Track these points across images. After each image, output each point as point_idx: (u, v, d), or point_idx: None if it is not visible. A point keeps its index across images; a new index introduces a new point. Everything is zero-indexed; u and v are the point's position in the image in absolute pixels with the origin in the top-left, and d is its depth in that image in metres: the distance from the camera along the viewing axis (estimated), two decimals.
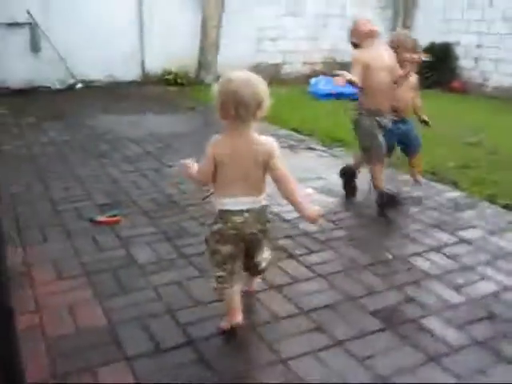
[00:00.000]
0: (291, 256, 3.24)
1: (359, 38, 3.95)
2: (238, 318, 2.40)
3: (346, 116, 7.53)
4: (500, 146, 6.00)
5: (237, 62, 11.09)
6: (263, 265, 2.49)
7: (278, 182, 2.29)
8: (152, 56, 10.47)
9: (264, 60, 11.53)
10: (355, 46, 4.00)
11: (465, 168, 5.15)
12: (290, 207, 3.74)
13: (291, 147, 5.95)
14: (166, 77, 10.36)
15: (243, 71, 2.30)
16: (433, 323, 2.56)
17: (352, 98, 8.92)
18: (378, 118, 3.90)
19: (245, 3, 10.98)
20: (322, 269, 3.08)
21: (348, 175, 4.38)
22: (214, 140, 2.30)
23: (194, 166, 2.43)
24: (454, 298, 2.79)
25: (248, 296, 2.68)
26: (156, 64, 10.47)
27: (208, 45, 10.58)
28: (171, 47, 10.37)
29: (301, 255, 3.25)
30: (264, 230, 2.37)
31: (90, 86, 9.62)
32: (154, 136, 6.31)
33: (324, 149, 5.92)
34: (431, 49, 11.26)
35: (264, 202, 2.34)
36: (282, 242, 3.43)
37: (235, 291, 2.40)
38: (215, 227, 2.31)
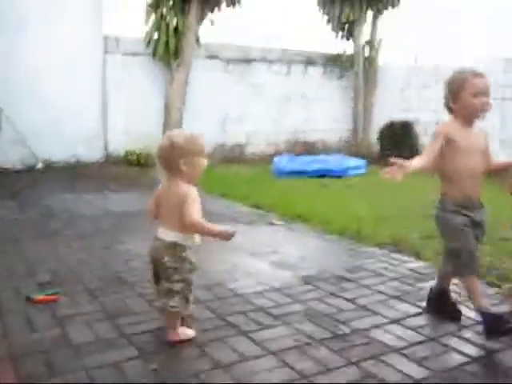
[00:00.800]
0: (241, 332, 2.98)
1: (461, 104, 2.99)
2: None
3: (306, 192, 7.67)
4: None
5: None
6: (165, 300, 2.75)
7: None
8: (115, 137, 10.44)
9: (228, 140, 11.59)
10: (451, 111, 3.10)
11: (428, 239, 5.02)
12: (246, 282, 3.59)
13: (251, 222, 5.80)
14: (129, 157, 10.26)
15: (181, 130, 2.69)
16: None
17: (313, 175, 9.08)
18: (468, 213, 2.97)
19: (208, 85, 11.15)
20: (274, 345, 2.82)
21: (441, 300, 3.28)
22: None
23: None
24: (416, 372, 2.55)
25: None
26: (119, 144, 10.42)
27: (171, 126, 10.57)
28: (135, 128, 10.38)
29: (252, 331, 3.00)
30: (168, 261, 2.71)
31: (51, 167, 9.46)
32: (109, 214, 6.10)
33: (282, 223, 5.77)
34: (391, 126, 11.52)
35: (176, 239, 2.71)
36: (233, 318, 3.18)
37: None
38: None
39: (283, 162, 9.71)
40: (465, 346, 2.86)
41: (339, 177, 9.22)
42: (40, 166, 9.38)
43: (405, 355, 2.73)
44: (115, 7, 10.57)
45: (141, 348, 2.76)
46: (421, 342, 2.88)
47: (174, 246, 2.72)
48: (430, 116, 11.44)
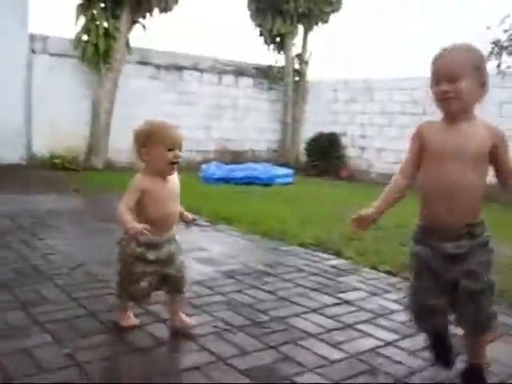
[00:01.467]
0: (160, 320, 2.95)
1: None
2: None
3: (233, 197, 7.73)
4: (382, 222, 6.10)
5: (128, 148, 10.99)
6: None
7: None
8: (40, 140, 10.13)
9: None
10: None
11: (349, 240, 5.14)
12: None
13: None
14: (54, 160, 9.98)
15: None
16: (309, 379, 2.34)
17: (241, 183, 9.15)
18: (435, 243, 2.16)
19: (138, 90, 11.04)
20: (193, 331, 2.80)
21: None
22: None
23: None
24: (332, 354, 2.60)
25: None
26: (44, 148, 10.11)
27: (99, 129, 10.41)
28: (61, 131, 10.12)
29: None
30: None
31: None
32: (29, 212, 5.89)
33: (208, 225, 5.77)
34: (319, 138, 11.77)
35: None
36: (152, 307, 3.13)
37: None
38: None
39: (211, 169, 9.73)
40: (380, 331, 2.94)
41: (267, 185, 9.31)
42: None
43: (322, 340, 2.78)
44: (42, 4, 10.32)
45: (54, 335, 2.67)
46: (338, 329, 2.94)
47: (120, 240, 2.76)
48: (356, 129, 11.80)
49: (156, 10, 10.56)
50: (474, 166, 2.05)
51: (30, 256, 4.15)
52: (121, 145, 10.73)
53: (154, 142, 2.59)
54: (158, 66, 11.44)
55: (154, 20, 10.80)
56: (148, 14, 10.60)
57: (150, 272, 2.64)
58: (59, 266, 3.89)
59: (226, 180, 9.37)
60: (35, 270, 3.80)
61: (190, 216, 2.90)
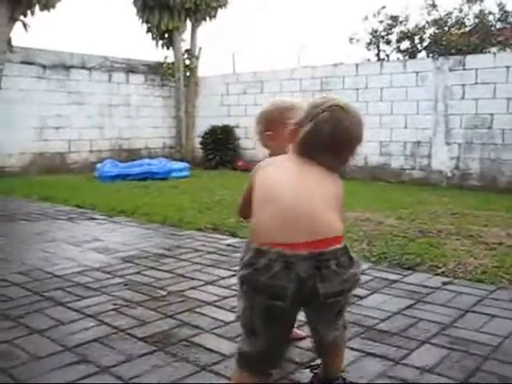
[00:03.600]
0: (59, 304, 2.99)
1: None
2: None
3: (129, 192, 7.74)
4: None
5: (18, 152, 10.64)
6: None
7: None
8: None
9: (48, 148, 11.17)
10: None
11: (244, 222, 5.33)
12: (65, 266, 3.59)
13: (71, 218, 5.72)
14: None
15: None
16: (205, 339, 2.49)
17: (137, 179, 9.14)
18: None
19: (24, 91, 10.69)
20: (92, 310, 2.87)
21: None
22: None
23: None
24: (227, 317, 2.76)
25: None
26: None
27: None
28: None
29: (70, 302, 3.02)
30: None
31: None
32: None
33: (104, 218, 5.77)
34: (213, 132, 11.94)
35: None
36: (50, 293, 3.16)
37: None
38: None
39: (107, 167, 9.63)
40: None
41: (163, 179, 9.35)
42: None
43: (218, 306, 2.94)
44: None
45: None
46: (233, 296, 3.11)
47: None
48: (249, 120, 12.06)
49: (37, 7, 10.26)
50: None
51: None
52: (9, 149, 10.38)
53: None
54: (43, 66, 11.12)
55: (37, 18, 10.51)
56: (29, 12, 10.27)
57: None
58: None
59: (122, 177, 9.32)
60: None
61: None
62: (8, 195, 7.56)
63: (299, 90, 11.31)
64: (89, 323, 2.69)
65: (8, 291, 3.21)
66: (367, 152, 10.33)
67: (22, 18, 10.14)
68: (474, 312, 2.92)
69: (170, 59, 12.94)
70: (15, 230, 5.27)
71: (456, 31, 14.15)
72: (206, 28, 13.08)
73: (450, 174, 9.40)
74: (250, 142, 12.08)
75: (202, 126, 12.76)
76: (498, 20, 13.82)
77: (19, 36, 10.29)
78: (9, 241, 4.78)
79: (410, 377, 2.16)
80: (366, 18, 14.75)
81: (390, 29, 14.53)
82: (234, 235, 4.83)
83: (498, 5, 13.75)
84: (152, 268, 3.74)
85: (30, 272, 3.64)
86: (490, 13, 13.81)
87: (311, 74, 11.17)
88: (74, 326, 2.67)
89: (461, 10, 14.14)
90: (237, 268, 3.66)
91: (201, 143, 12.40)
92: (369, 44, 14.81)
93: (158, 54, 13.12)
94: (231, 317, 2.77)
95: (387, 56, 14.71)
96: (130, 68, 12.52)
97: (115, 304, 2.97)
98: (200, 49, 13.21)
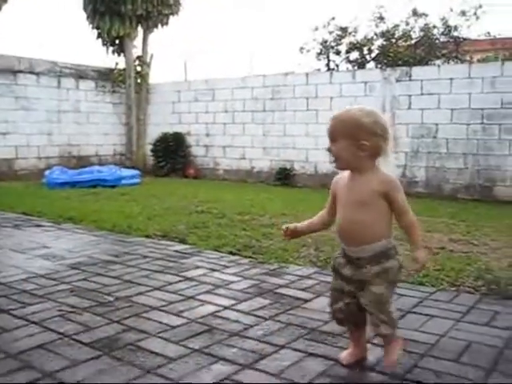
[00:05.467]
0: (3, 311, 2.95)
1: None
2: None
3: (78, 199, 7.65)
4: (226, 212, 6.43)
5: None
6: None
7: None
8: None
9: None
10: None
11: (194, 228, 5.37)
12: (9, 273, 3.54)
13: (16, 226, 5.62)
14: None
15: None
16: (151, 343, 2.51)
17: (86, 186, 9.03)
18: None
19: None
20: (37, 317, 2.85)
21: None
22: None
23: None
24: (174, 321, 2.79)
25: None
26: None
27: None
28: None
29: (14, 309, 2.98)
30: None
31: None
32: None
33: (52, 225, 5.69)
34: (164, 139, 11.92)
35: None
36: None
37: None
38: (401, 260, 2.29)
39: (55, 174, 9.49)
40: (219, 299, 3.19)
41: (113, 186, 9.27)
42: None
43: (164, 311, 2.96)
44: None
45: None
46: (180, 301, 3.14)
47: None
48: (200, 128, 12.11)
49: None
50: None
51: None
52: None
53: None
54: None
55: None
56: None
57: (345, 291, 2.29)
58: None
59: (71, 184, 9.20)
60: None
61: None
62: None
63: (251, 97, 11.42)
64: (33, 330, 2.67)
65: None
66: (317, 160, 10.50)
67: None
68: (414, 313, 3.03)
69: (121, 66, 12.85)
70: None
71: (403, 43, 14.54)
72: (158, 35, 13.04)
73: None
74: (201, 149, 12.11)
75: (153, 133, 12.72)
76: (442, 34, 14.27)
77: None
78: None
79: (349, 375, 2.23)
80: (317, 28, 15.00)
81: (340, 39, 14.81)
82: (182, 242, 4.85)
83: (442, 19, 14.22)
84: (99, 274, 3.73)
85: None
86: (435, 27, 14.26)
87: (262, 83, 11.29)
88: (18, 332, 2.64)
89: (407, 23, 14.54)
90: (184, 273, 3.70)
91: (152, 150, 12.35)
92: (319, 54, 15.06)
93: (109, 60, 13.00)
94: (177, 321, 2.80)
95: (337, 66, 14.99)
96: (80, 74, 12.37)
97: (61, 310, 2.96)
98: (152, 56, 13.18)
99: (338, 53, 15.06)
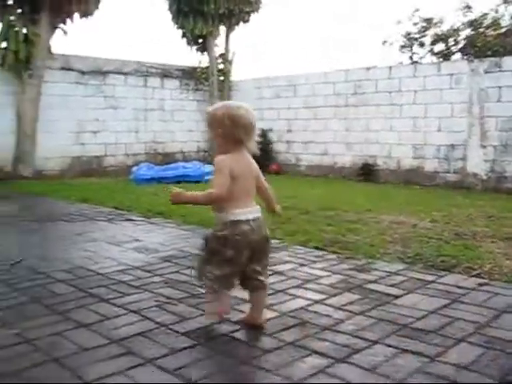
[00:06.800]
0: (103, 300, 3.11)
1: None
2: (227, 307, 2.67)
3: (165, 195, 7.86)
4: (310, 207, 6.45)
5: (57, 155, 10.93)
6: (263, 278, 2.65)
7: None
8: None
9: (85, 152, 11.45)
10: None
11: (280, 224, 5.41)
12: (106, 264, 3.71)
13: (110, 220, 5.87)
14: None
15: None
16: (244, 335, 2.57)
17: (171, 181, 9.29)
18: None
19: (63, 97, 10.97)
20: (136, 306, 2.98)
21: None
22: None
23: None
24: (266, 314, 2.83)
25: (257, 329, 2.66)
26: None
27: (24, 138, 10.29)
28: None
29: (113, 298, 3.13)
30: (267, 236, 2.64)
31: None
32: None
33: (142, 219, 5.91)
34: None
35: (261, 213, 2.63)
36: (94, 290, 3.29)
37: (227, 295, 2.65)
38: (221, 233, 2.52)
39: (142, 170, 9.84)
40: (309, 293, 3.22)
41: (197, 182, 9.48)
42: None
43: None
44: None
45: (1, 320, 2.78)
46: (270, 295, 3.17)
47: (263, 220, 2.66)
48: (282, 124, 12.17)
49: (76, 15, 10.54)
50: None
51: None
52: (49, 153, 10.66)
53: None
54: (81, 72, 11.39)
55: (76, 25, 10.80)
56: (68, 20, 10.56)
57: None
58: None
59: (157, 180, 9.50)
60: None
61: None
62: (47, 197, 7.79)
63: (332, 93, 11.36)
64: (132, 318, 2.80)
65: (54, 287, 3.35)
66: (400, 155, 10.31)
67: (61, 25, 10.41)
68: (510, 313, 2.93)
69: (204, 64, 13.11)
70: (56, 230, 5.44)
71: (492, 32, 13.99)
72: (239, 32, 13.21)
73: (485, 177, 9.32)
74: (283, 145, 12.17)
75: None
76: None
77: (58, 43, 10.53)
78: (51, 240, 4.95)
79: (446, 373, 2.20)
80: (400, 21, 14.71)
81: (424, 31, 14.45)
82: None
83: None
84: (189, 267, 3.83)
85: (74, 270, 3.78)
86: None
87: (344, 77, 11.19)
88: (118, 320, 2.78)
89: (497, 11, 13.99)
90: (273, 267, 3.74)
91: None
92: (402, 47, 14.76)
93: (192, 59, 13.30)
94: (269, 314, 2.84)
95: (421, 59, 14.63)
96: (165, 73, 12.73)
97: (157, 301, 3.08)
98: (233, 53, 13.36)
99: (422, 45, 14.70)
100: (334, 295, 3.20)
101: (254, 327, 2.67)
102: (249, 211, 2.57)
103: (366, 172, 10.66)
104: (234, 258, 2.52)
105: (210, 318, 2.68)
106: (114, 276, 3.62)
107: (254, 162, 2.70)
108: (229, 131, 2.54)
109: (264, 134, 12.18)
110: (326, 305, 3.03)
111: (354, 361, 2.30)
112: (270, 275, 3.57)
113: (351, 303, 3.06)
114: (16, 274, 3.69)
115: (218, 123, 2.57)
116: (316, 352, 2.39)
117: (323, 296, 3.18)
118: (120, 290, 3.31)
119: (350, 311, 2.92)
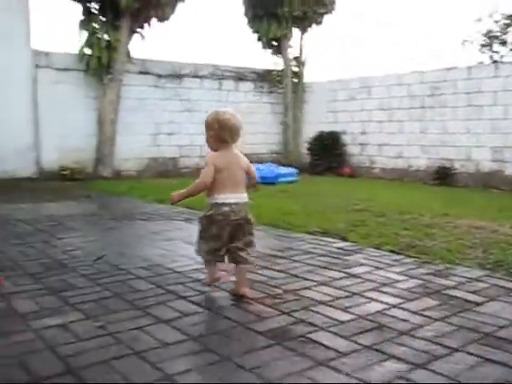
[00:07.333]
0: (181, 297, 3.18)
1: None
2: (217, 274, 3.28)
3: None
4: (385, 211, 6.36)
5: (134, 156, 11.28)
6: (244, 254, 3.11)
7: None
8: (48, 152, 10.39)
9: (161, 154, 11.75)
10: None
11: (354, 226, 5.38)
12: (183, 263, 3.80)
13: (186, 219, 6.01)
14: (63, 172, 10.24)
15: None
16: (321, 336, 2.57)
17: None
18: None
19: (141, 100, 11.30)
20: (212, 304, 3.04)
21: None
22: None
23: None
24: (342, 316, 2.83)
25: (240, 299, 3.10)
26: (52, 160, 10.37)
27: (105, 140, 10.68)
28: (68, 143, 10.39)
29: (191, 296, 3.21)
30: (246, 219, 3.12)
31: None
32: (47, 217, 6.14)
33: None
34: (320, 138, 12.01)
35: (246, 199, 3.17)
36: (172, 287, 3.38)
37: (215, 264, 3.25)
38: (208, 213, 3.11)
39: None
40: (385, 297, 3.17)
41: (271, 183, 9.54)
42: None
43: (331, 306, 3.01)
44: (44, 22, 10.59)
45: (86, 313, 2.90)
46: (346, 297, 3.17)
47: (248, 205, 3.18)
48: (356, 126, 12.04)
49: (154, 20, 10.85)
50: None
51: (53, 252, 4.38)
52: (126, 154, 11.02)
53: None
54: (158, 75, 11.71)
55: (153, 30, 11.11)
56: (146, 24, 10.88)
57: None
58: (82, 259, 4.13)
59: None
60: (59, 263, 4.03)
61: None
62: (125, 197, 8.05)
63: (407, 95, 11.15)
64: (208, 316, 2.86)
65: (134, 283, 3.47)
66: (479, 158, 9.99)
67: (139, 30, 10.74)
68: None
69: (278, 66, 13.17)
70: (134, 228, 5.61)
71: None
72: (313, 34, 13.19)
73: None
74: (357, 147, 12.05)
75: (308, 131, 12.88)
76: None
77: (135, 48, 10.87)
78: (129, 238, 5.11)
79: None
80: (480, 19, 14.24)
81: (506, 28, 13.92)
82: (344, 239, 4.88)
83: None
84: (265, 268, 3.87)
85: (152, 267, 3.89)
86: None
87: (420, 79, 10.96)
88: (196, 317, 2.84)
89: None
90: (348, 270, 3.72)
91: (307, 149, 12.51)
92: (482, 46, 14.29)
93: (265, 61, 13.39)
94: (345, 316, 2.83)
95: (501, 57, 14.11)
96: (239, 76, 12.88)
97: (233, 300, 3.12)
98: (307, 55, 13.35)
99: (503, 43, 14.17)
100: (412, 300, 3.14)
101: (240, 297, 3.11)
102: (232, 196, 3.09)
103: (442, 175, 10.38)
104: (217, 235, 3.08)
105: (210, 282, 3.32)
106: (190, 274, 3.71)
107: (242, 156, 3.26)
108: (217, 133, 3.15)
109: (336, 136, 12.09)
110: (403, 309, 2.98)
111: (433, 367, 2.26)
112: (344, 278, 3.58)
113: (430, 309, 2.99)
114: (98, 269, 3.84)
115: (210, 127, 3.20)
116: (394, 357, 2.36)
117: (400, 300, 3.13)
118: (196, 287, 3.38)
119: (429, 317, 2.86)
